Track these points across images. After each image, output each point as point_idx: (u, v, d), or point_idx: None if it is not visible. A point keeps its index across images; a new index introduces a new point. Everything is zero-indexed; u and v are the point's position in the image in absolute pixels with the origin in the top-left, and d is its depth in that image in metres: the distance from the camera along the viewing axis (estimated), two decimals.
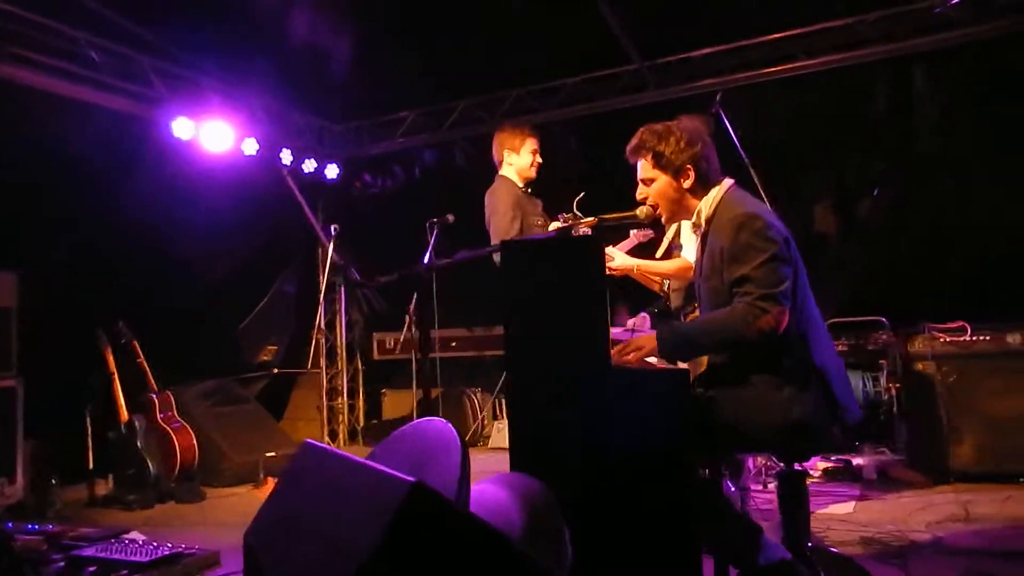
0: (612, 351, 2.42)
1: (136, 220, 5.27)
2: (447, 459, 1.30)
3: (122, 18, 4.95)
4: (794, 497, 2.54)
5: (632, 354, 2.38)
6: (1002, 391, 4.10)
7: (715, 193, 2.53)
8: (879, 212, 5.78)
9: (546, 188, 6.44)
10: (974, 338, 4.20)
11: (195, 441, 4.83)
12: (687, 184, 2.52)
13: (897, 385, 4.82)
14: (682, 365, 2.74)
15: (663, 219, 2.69)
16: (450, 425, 1.42)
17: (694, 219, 2.57)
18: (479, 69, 6.22)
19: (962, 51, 5.29)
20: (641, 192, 2.63)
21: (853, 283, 5.55)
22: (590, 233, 2.57)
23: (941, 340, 4.26)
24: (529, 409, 2.16)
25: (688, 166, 2.50)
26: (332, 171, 6.82)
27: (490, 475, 1.71)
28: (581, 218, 2.79)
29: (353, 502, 1.17)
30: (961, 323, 4.26)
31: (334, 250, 5.03)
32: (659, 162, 2.53)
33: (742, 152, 4.14)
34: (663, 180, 2.54)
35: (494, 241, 3.92)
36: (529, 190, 4.19)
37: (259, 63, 5.74)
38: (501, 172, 4.19)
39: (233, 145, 5.80)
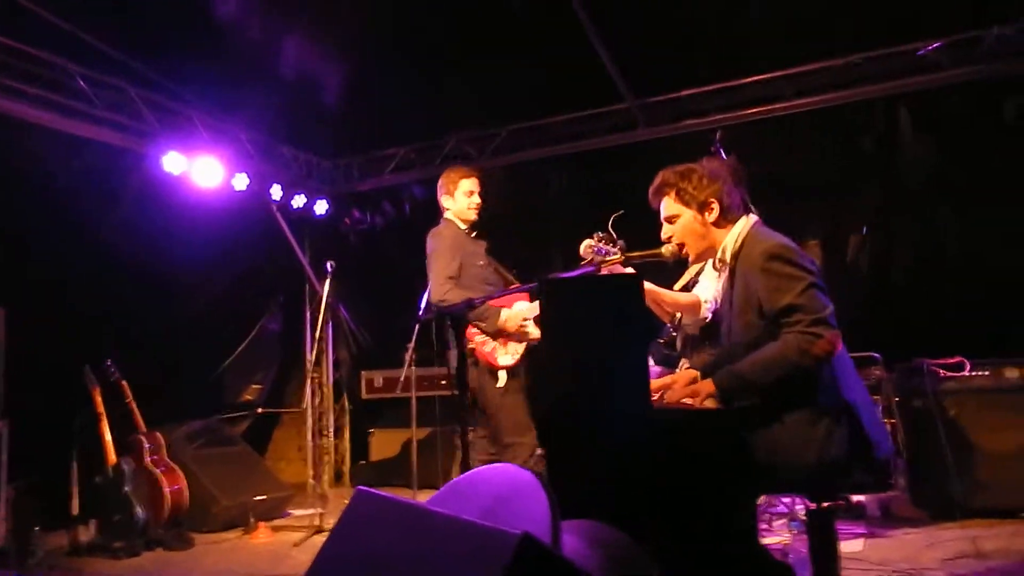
0: (665, 392, 2.38)
1: (124, 256, 5.15)
2: (527, 506, 1.24)
3: (113, 50, 4.90)
4: (825, 537, 2.51)
5: (691, 400, 2.34)
6: (1002, 426, 4.15)
7: (740, 228, 2.53)
8: (869, 249, 5.87)
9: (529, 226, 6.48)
10: (973, 373, 4.25)
11: (185, 485, 4.65)
12: (712, 218, 2.52)
13: (892, 420, 4.84)
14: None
15: (690, 258, 2.69)
16: (527, 471, 1.36)
17: (719, 255, 2.57)
18: (469, 106, 6.25)
19: (947, 92, 5.45)
20: (666, 231, 2.63)
21: (845, 319, 5.59)
22: (624, 270, 2.54)
23: (940, 376, 4.30)
24: (568, 449, 2.11)
25: (712, 200, 2.51)
26: (321, 207, 6.76)
27: None
28: (615, 240, 2.79)
29: (446, 556, 1.11)
30: (959, 359, 4.31)
31: (330, 287, 4.95)
32: (682, 198, 2.55)
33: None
34: (688, 215, 2.55)
35: (432, 283, 3.96)
36: (474, 233, 4.19)
37: (249, 97, 5.71)
38: (445, 215, 4.23)
39: (223, 180, 5.72)
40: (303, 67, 5.71)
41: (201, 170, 5.51)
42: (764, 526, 4.18)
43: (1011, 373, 4.20)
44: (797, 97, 5.69)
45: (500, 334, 3.87)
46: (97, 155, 5.15)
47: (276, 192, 6.26)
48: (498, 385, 3.84)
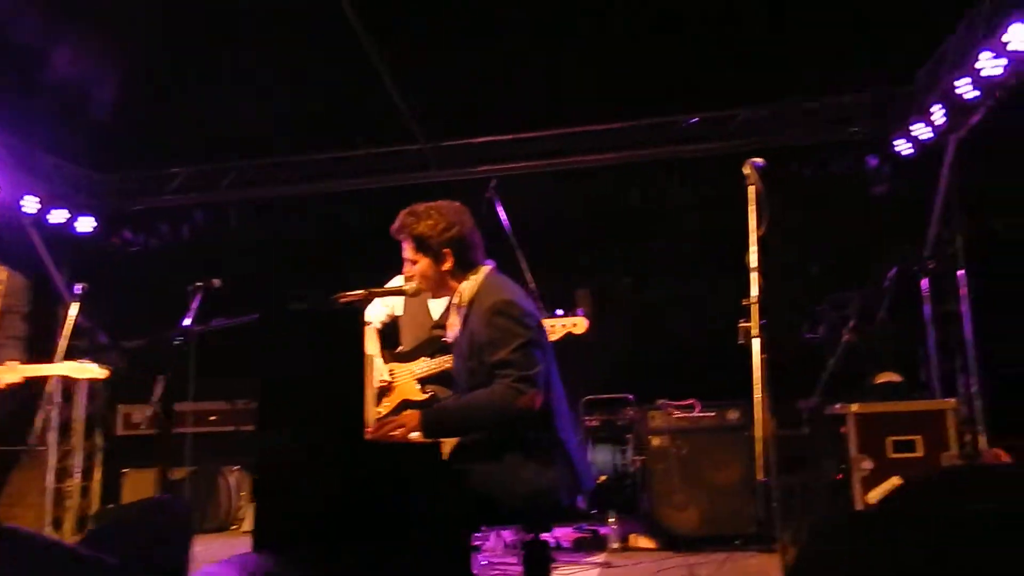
0: (374, 426, 2.44)
1: None
2: (178, 538, 1.23)
3: None
4: (539, 565, 2.69)
5: (397, 431, 2.41)
6: (722, 462, 4.64)
7: (478, 275, 2.67)
8: (631, 298, 6.44)
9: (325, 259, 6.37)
10: (702, 414, 4.74)
11: None
12: (446, 267, 2.61)
13: (642, 457, 5.27)
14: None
15: (430, 296, 2.80)
16: (180, 500, 1.36)
17: (455, 299, 2.69)
18: (262, 131, 6.11)
19: (705, 161, 6.15)
20: (408, 271, 2.73)
21: (606, 363, 6.05)
22: (356, 305, 2.60)
23: (675, 416, 4.76)
24: (278, 483, 2.10)
25: (446, 250, 2.58)
26: (86, 224, 6.23)
27: None
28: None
29: None
30: (692, 400, 4.79)
31: (80, 311, 4.53)
32: (419, 245, 2.62)
33: (512, 237, 4.45)
34: (424, 262, 2.63)
35: None
36: None
37: (5, 98, 5.20)
38: None
39: None
40: (72, 71, 5.31)
41: None
42: (513, 560, 4.35)
43: (732, 414, 4.72)
44: (581, 154, 6.18)
45: None
46: None
47: (30, 204, 5.70)
48: None
